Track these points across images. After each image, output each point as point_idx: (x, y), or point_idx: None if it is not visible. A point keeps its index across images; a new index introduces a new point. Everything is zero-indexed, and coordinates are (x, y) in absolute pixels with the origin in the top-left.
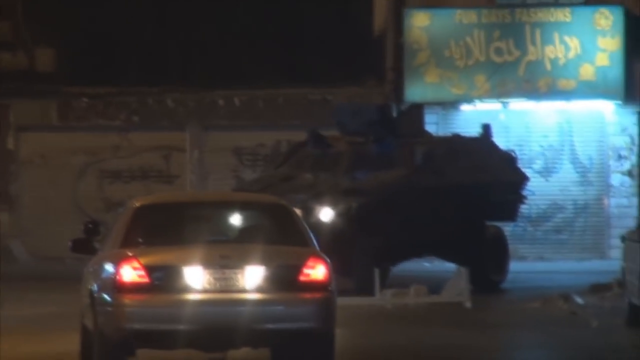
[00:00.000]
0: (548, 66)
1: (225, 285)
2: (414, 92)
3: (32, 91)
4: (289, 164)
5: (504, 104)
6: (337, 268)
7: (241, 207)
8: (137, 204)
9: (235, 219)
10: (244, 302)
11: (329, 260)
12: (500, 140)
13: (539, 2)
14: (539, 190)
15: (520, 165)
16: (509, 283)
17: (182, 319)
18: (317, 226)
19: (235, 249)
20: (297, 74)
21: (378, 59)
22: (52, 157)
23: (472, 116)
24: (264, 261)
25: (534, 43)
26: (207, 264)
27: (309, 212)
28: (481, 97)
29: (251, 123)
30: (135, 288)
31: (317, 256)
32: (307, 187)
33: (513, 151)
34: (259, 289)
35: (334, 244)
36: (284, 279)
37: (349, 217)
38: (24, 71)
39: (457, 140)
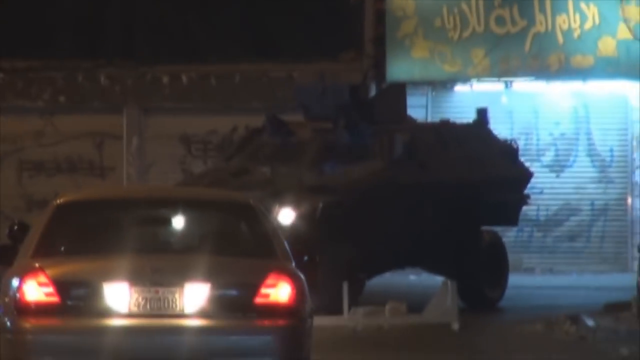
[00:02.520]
0: (560, 39)
1: (158, 308)
2: (398, 69)
3: None
4: (242, 155)
5: (507, 84)
6: None
7: (191, 206)
8: (58, 202)
9: (182, 222)
10: (181, 331)
11: (300, 277)
12: (503, 128)
13: None
14: (549, 188)
15: (522, 158)
16: (507, 300)
17: (101, 352)
18: None
19: (172, 260)
20: (258, 47)
21: (355, 29)
22: None
23: (468, 98)
24: (210, 277)
25: (543, 11)
26: (135, 279)
27: None
28: (479, 76)
29: (202, 105)
30: (41, 310)
31: (280, 271)
32: (264, 183)
33: (514, 141)
34: (202, 314)
35: (295, 252)
36: (236, 301)
37: (313, 220)
38: None
39: (446, 128)
